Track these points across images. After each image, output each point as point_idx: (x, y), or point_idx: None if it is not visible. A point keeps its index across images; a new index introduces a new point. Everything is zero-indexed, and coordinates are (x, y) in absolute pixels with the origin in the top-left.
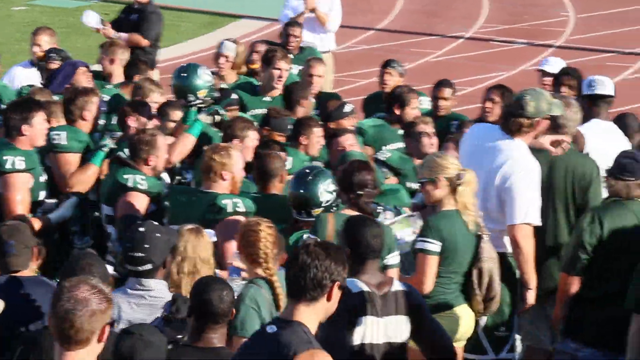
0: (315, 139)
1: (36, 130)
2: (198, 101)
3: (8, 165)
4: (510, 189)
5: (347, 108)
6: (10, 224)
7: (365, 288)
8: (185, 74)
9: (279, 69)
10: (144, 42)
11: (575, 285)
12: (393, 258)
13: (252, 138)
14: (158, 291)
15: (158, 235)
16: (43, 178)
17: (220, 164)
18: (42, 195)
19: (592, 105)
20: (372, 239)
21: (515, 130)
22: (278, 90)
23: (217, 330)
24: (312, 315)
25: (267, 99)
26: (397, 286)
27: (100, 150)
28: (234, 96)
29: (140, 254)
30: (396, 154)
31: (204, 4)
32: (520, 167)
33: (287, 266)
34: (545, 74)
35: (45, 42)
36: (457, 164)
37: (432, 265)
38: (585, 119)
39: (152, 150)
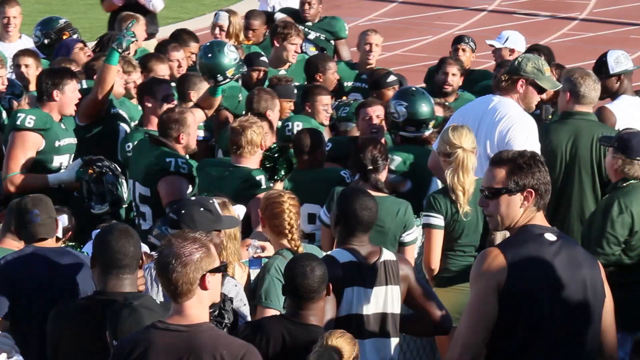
0: (321, 106)
1: (67, 97)
2: (227, 80)
3: (18, 122)
4: (509, 144)
5: (391, 78)
6: (34, 195)
7: (353, 258)
8: (211, 54)
9: (294, 44)
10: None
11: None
12: (409, 235)
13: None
14: None
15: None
16: (59, 142)
17: (262, 137)
18: (58, 160)
19: (621, 81)
20: (361, 211)
21: (498, 87)
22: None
23: (310, 307)
24: None
25: (281, 71)
26: (386, 256)
27: (114, 50)
28: (263, 59)
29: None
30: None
31: None
32: (516, 120)
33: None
34: (494, 48)
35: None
36: (456, 142)
37: (436, 239)
38: (614, 95)
39: (182, 128)
